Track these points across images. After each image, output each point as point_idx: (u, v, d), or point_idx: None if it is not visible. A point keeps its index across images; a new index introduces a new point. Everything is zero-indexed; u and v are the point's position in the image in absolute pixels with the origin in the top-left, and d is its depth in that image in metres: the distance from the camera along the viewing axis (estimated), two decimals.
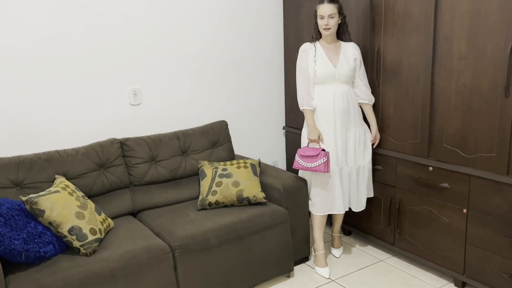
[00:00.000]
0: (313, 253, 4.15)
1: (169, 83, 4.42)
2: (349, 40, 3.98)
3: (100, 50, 4.00)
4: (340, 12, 3.82)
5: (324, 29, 3.81)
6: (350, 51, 3.92)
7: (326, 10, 3.74)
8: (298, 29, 4.78)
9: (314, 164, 3.74)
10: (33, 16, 3.67)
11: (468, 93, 3.36)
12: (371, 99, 4.02)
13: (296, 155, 3.90)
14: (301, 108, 3.97)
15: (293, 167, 3.92)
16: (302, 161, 3.83)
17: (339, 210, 3.96)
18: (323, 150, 3.76)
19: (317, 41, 3.96)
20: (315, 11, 3.84)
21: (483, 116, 3.29)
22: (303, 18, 4.69)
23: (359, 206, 4.10)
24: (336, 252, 4.35)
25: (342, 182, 3.95)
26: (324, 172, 3.73)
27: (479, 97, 3.29)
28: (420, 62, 3.66)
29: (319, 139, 3.88)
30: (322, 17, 3.78)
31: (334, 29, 3.83)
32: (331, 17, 3.77)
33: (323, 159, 3.70)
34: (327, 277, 3.94)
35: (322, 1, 3.77)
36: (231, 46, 4.77)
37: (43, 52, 3.75)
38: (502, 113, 3.16)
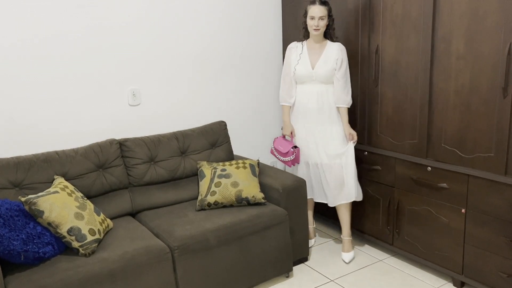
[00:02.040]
0: None
1: (168, 84, 4.43)
2: (336, 40, 4.11)
3: (99, 51, 4.01)
4: (330, 14, 3.97)
5: (314, 29, 3.95)
6: (334, 51, 4.02)
7: (317, 11, 3.90)
8: (297, 29, 4.77)
9: (284, 159, 4.19)
10: (33, 16, 3.67)
11: (467, 93, 3.37)
12: (344, 102, 4.08)
13: (273, 144, 4.34)
14: (280, 103, 4.31)
15: (270, 153, 4.50)
16: (276, 153, 4.29)
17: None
18: (295, 147, 4.14)
19: (305, 41, 4.15)
20: (306, 11, 3.99)
21: (481, 116, 3.30)
22: (301, 18, 4.69)
23: (339, 199, 4.18)
24: (345, 256, 4.28)
25: (313, 176, 4.28)
26: (290, 166, 4.25)
27: (478, 97, 3.30)
28: (418, 62, 3.66)
29: (291, 135, 4.23)
30: (313, 18, 3.92)
31: (323, 30, 3.98)
32: (321, 19, 3.92)
33: (291, 157, 4.12)
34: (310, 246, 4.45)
35: (313, 2, 3.93)
36: (230, 47, 4.77)
37: (42, 52, 3.75)
38: (500, 113, 3.17)
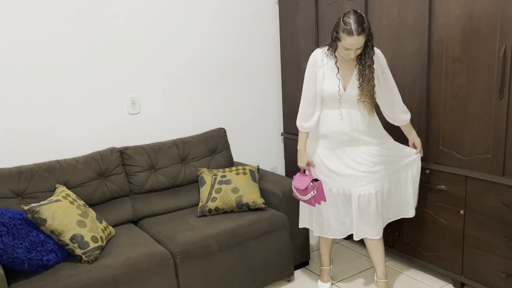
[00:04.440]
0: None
1: (167, 92, 4.46)
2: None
3: (99, 60, 4.04)
4: (369, 39, 3.20)
5: (349, 58, 3.27)
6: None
7: (353, 44, 3.13)
8: (294, 35, 4.82)
9: (305, 198, 3.49)
10: (31, 25, 3.71)
11: (463, 96, 3.39)
12: (404, 121, 3.60)
13: (292, 184, 3.65)
14: (297, 126, 3.61)
15: (293, 196, 3.71)
16: (297, 193, 3.58)
17: (332, 235, 3.65)
18: (315, 180, 3.45)
19: (333, 52, 3.36)
20: (338, 37, 3.18)
21: (478, 118, 3.33)
22: (299, 25, 4.73)
23: (361, 233, 3.54)
24: None
25: (339, 206, 3.57)
26: (314, 205, 3.50)
27: (474, 99, 3.33)
28: (415, 65, 3.69)
29: (308, 166, 3.56)
30: (348, 49, 3.18)
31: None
32: (358, 49, 3.19)
33: (312, 193, 3.42)
34: None
35: (350, 33, 3.08)
36: (229, 54, 4.81)
37: (41, 61, 3.78)
38: (497, 115, 3.20)
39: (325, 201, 3.49)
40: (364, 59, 3.27)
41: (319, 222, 3.68)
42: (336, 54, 3.36)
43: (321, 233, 3.69)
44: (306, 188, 3.44)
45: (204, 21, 4.59)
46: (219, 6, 4.66)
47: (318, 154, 3.57)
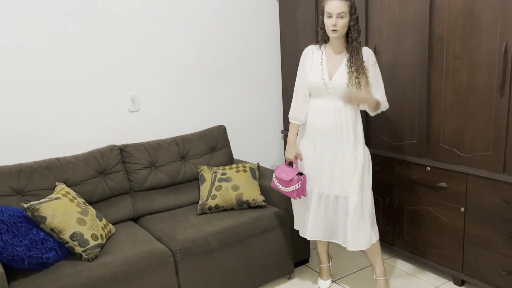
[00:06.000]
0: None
1: (166, 89, 4.45)
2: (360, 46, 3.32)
3: (99, 58, 4.04)
4: (352, 12, 3.20)
5: (331, 30, 3.22)
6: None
7: (335, 7, 3.14)
8: (294, 33, 4.81)
9: (287, 189, 3.48)
10: (31, 25, 3.70)
11: (464, 93, 3.39)
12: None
13: (273, 174, 3.65)
14: (289, 120, 3.61)
15: (271, 185, 3.70)
16: (278, 183, 3.58)
17: (309, 237, 3.60)
18: (300, 173, 3.48)
19: (323, 45, 3.44)
20: (323, 7, 3.26)
21: (479, 115, 3.32)
22: (299, 22, 4.72)
23: (350, 244, 3.49)
24: None
25: (320, 208, 3.52)
26: (295, 198, 3.50)
27: (475, 96, 3.32)
28: (416, 62, 3.68)
29: (296, 159, 3.57)
30: (330, 16, 3.18)
31: (342, 31, 3.23)
32: (341, 17, 3.16)
33: (296, 186, 3.42)
34: None
35: None
36: (228, 52, 4.80)
37: (41, 60, 3.77)
38: (497, 112, 3.19)
39: (305, 195, 3.50)
40: (350, 34, 3.26)
41: (300, 219, 3.74)
42: (325, 46, 3.41)
43: (299, 228, 3.76)
44: (291, 180, 3.45)
45: (204, 19, 4.58)
46: (219, 4, 4.65)
47: (304, 152, 3.57)
